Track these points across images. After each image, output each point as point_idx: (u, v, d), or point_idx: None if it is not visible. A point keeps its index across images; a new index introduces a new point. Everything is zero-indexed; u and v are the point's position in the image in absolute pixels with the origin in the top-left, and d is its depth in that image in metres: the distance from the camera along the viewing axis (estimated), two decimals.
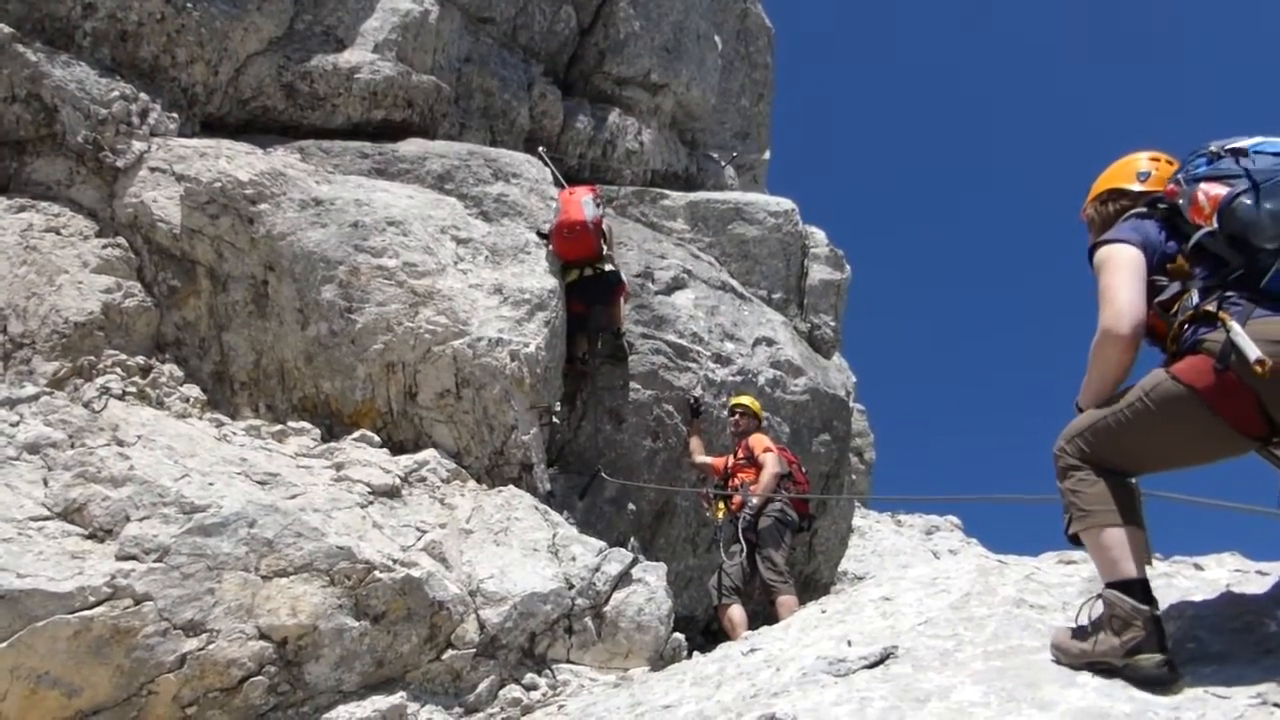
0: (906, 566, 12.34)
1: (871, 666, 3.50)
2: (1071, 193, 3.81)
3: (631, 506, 8.68)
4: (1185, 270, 3.16)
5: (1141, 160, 3.59)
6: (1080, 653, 3.08)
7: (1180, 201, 3.18)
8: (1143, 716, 2.72)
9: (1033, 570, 4.30)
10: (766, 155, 15.84)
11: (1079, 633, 3.13)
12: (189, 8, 8.46)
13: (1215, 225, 3.00)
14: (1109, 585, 2.99)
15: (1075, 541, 3.17)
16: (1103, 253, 3.27)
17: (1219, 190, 3.02)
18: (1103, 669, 3.00)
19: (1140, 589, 2.94)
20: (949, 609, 3.95)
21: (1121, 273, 3.17)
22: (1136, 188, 3.52)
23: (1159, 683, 2.87)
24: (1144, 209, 3.36)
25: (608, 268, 8.94)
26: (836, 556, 11.50)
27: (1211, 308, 2.95)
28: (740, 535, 7.62)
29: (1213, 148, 3.17)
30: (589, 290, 8.85)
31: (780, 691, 3.55)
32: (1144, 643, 2.89)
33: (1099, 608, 3.05)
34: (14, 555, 4.85)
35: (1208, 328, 2.95)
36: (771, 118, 15.91)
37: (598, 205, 9.03)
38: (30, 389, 6.18)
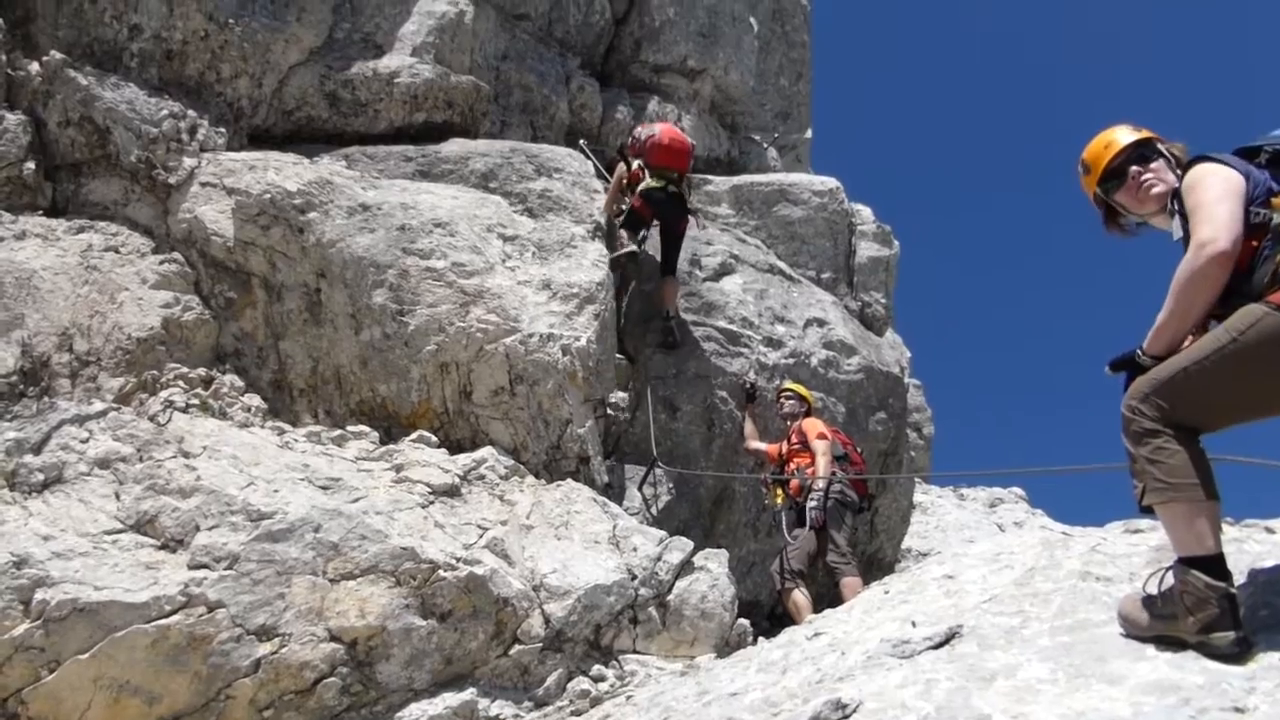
0: (971, 541, 12.23)
1: (936, 647, 3.48)
2: None
3: (690, 494, 8.69)
4: None
5: (1118, 129, 3.56)
6: (1149, 626, 3.03)
7: None
8: (1216, 688, 2.67)
9: (1098, 541, 4.24)
10: (809, 134, 15.69)
11: (1148, 603, 3.07)
12: (231, 24, 8.61)
13: None
14: (1183, 560, 2.93)
15: (1147, 511, 3.09)
16: (1198, 171, 3.13)
17: None
18: (1174, 641, 2.95)
19: (1215, 564, 2.87)
20: (1013, 585, 3.91)
21: (1216, 189, 3.02)
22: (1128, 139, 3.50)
23: (1233, 659, 2.81)
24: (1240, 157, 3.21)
25: (688, 195, 9.62)
26: (899, 534, 11.43)
27: None
28: (807, 519, 7.58)
29: None
30: (665, 205, 9.34)
31: (845, 675, 3.55)
32: (1218, 620, 2.82)
33: (1170, 580, 2.99)
34: (90, 568, 5.00)
35: None
36: (811, 96, 15.77)
37: None
38: (98, 405, 6.34)
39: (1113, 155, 3.52)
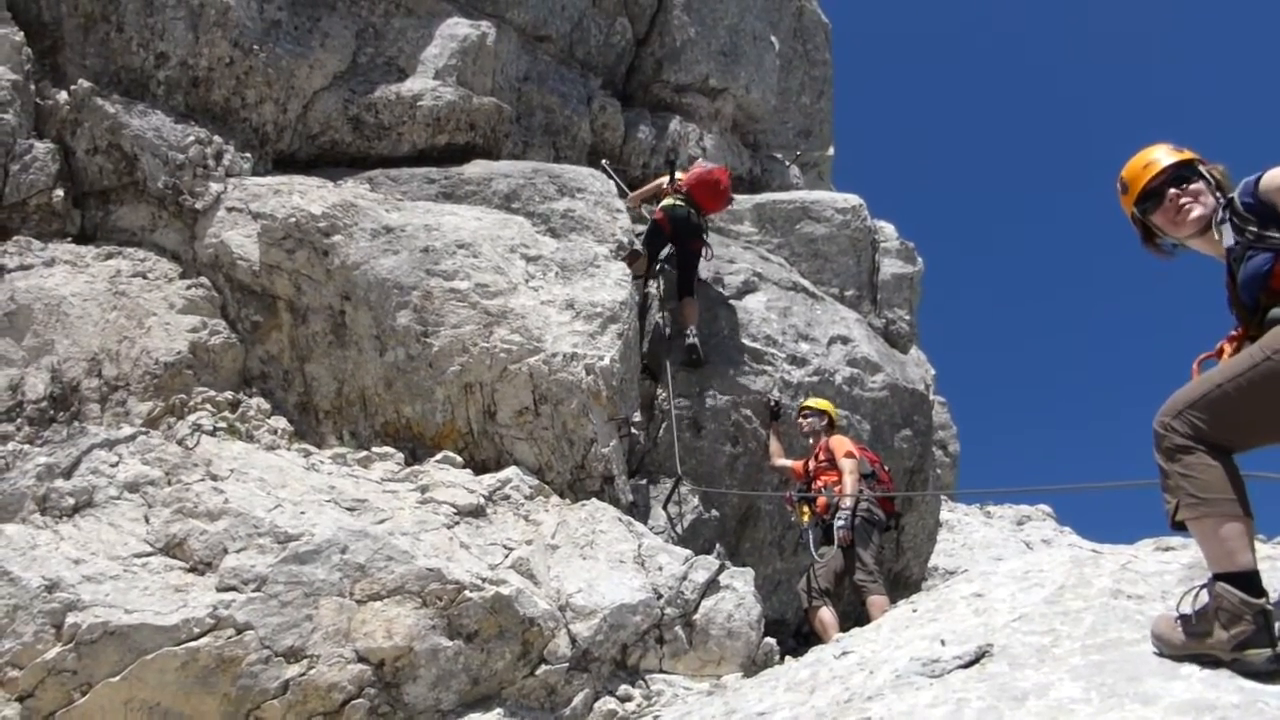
0: (999, 559, 12.12)
1: (966, 666, 3.45)
2: None
3: (715, 513, 8.67)
4: None
5: (1158, 148, 3.52)
6: (1183, 644, 3.00)
7: None
8: (1252, 707, 2.64)
9: (1129, 559, 4.20)
10: (830, 151, 15.69)
11: (1181, 622, 3.04)
12: (256, 50, 8.72)
13: None
14: (1217, 576, 2.90)
15: (1178, 527, 3.07)
16: (1276, 171, 3.05)
17: None
18: (1208, 660, 2.92)
19: (1250, 581, 2.85)
20: (1043, 603, 3.87)
21: None
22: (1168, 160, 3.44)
23: (1269, 676, 2.78)
24: None
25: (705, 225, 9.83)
26: (926, 552, 11.35)
27: None
28: (835, 537, 7.54)
29: None
30: (682, 224, 9.49)
31: (875, 695, 3.52)
32: (1253, 637, 2.79)
33: (1203, 598, 2.96)
34: (121, 592, 5.04)
35: None
36: (833, 113, 15.78)
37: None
38: (127, 430, 6.41)
39: (1151, 176, 3.45)
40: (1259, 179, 3.10)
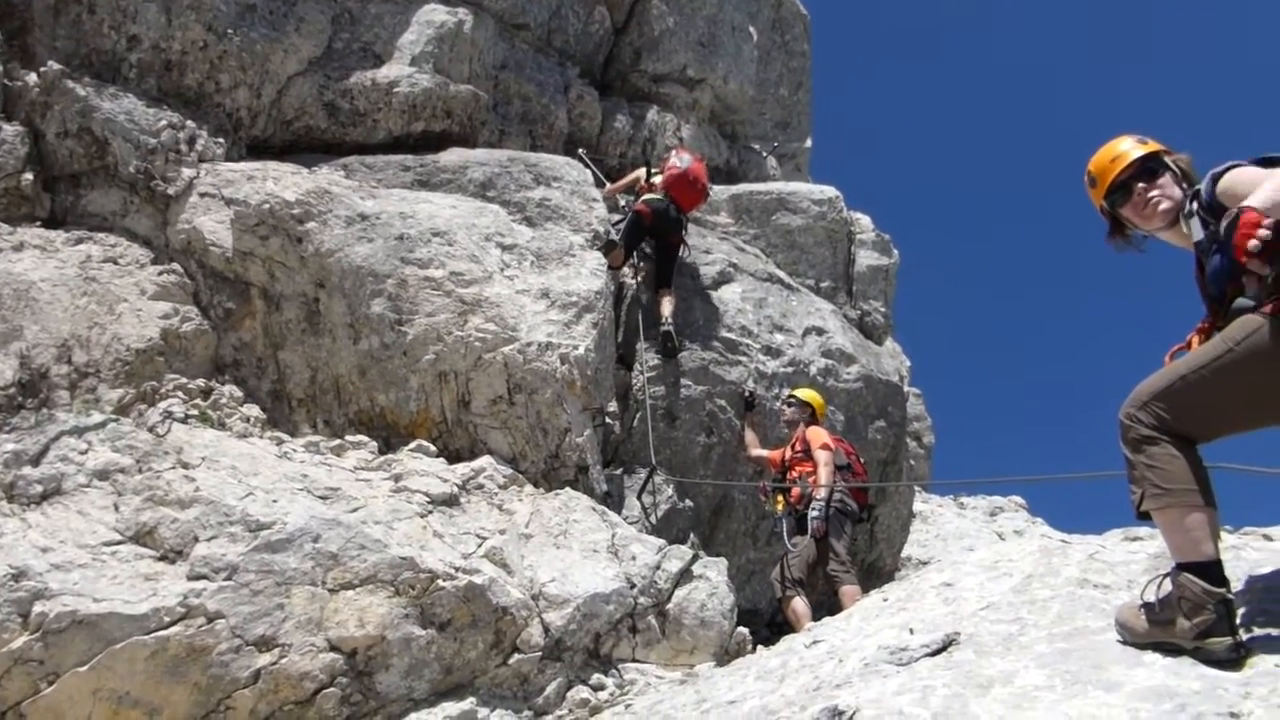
0: (971, 549, 12.21)
1: (934, 654, 3.49)
2: None
3: (689, 503, 8.69)
4: None
5: (1124, 141, 3.52)
6: (1147, 632, 3.03)
7: None
8: (1212, 693, 2.68)
9: (1096, 549, 4.25)
10: (808, 143, 15.73)
11: (1146, 610, 3.08)
12: (229, 34, 8.64)
13: None
14: (1180, 566, 2.94)
15: (1144, 517, 3.10)
16: (1240, 171, 3.06)
17: None
18: (1171, 648, 2.96)
19: (1213, 570, 2.88)
20: (1011, 592, 3.91)
21: (1267, 176, 2.88)
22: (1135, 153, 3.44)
23: (1230, 664, 2.82)
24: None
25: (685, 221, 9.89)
26: (899, 542, 11.42)
27: None
28: (808, 529, 7.57)
29: None
30: (662, 219, 9.54)
31: (843, 683, 3.55)
32: (1215, 626, 2.83)
33: (1167, 587, 3.00)
34: (90, 580, 5.00)
35: None
36: (811, 105, 15.80)
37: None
38: (97, 417, 6.34)
39: (1119, 169, 3.46)
40: (1219, 177, 3.12)
